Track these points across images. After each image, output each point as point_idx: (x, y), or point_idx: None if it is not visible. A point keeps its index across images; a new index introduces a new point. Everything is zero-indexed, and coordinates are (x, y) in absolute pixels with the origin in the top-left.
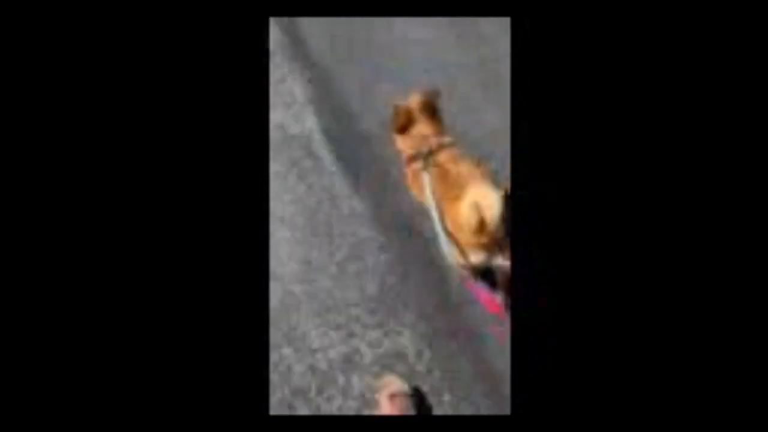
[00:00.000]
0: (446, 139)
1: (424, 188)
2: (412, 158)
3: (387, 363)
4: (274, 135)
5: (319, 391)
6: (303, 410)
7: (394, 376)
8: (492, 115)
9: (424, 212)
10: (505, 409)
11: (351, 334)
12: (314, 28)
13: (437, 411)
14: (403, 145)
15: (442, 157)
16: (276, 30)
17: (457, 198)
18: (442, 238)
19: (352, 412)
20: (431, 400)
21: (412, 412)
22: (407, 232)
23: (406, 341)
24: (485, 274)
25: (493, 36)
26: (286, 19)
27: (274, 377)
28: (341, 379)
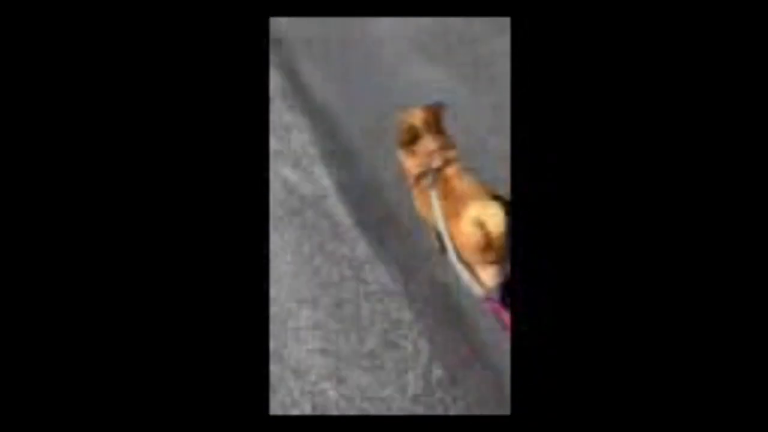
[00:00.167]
0: (451, 153)
1: (433, 207)
2: (420, 177)
3: None
4: (284, 197)
5: None
6: None
7: None
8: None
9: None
10: (505, 409)
11: None
12: (316, 74)
13: None
14: (410, 163)
15: (448, 172)
16: (276, 76)
17: (457, 215)
18: (454, 260)
19: None
20: None
21: None
22: (449, 311)
23: None
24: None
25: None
26: (286, 66)
27: None
28: None
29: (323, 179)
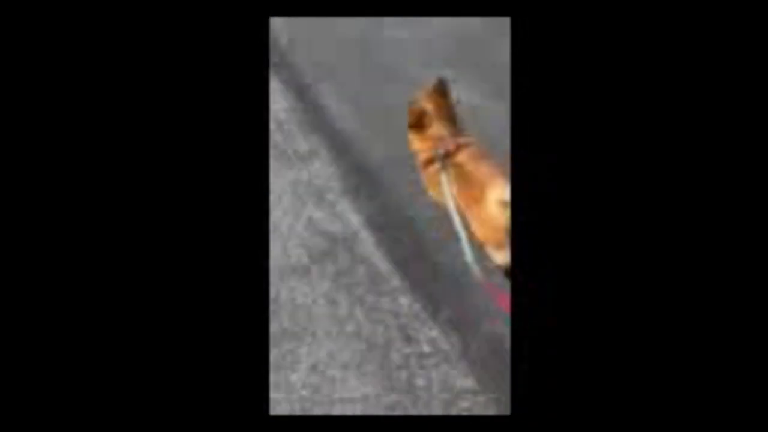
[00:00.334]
0: (464, 139)
1: (443, 189)
2: (429, 161)
3: None
4: (310, 238)
5: None
6: None
7: None
8: None
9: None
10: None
11: None
12: (330, 94)
13: None
14: (420, 146)
15: (461, 157)
16: (288, 98)
17: (478, 198)
18: (464, 241)
19: None
20: None
21: None
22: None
23: None
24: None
25: None
26: (297, 86)
27: None
28: None
29: (351, 215)
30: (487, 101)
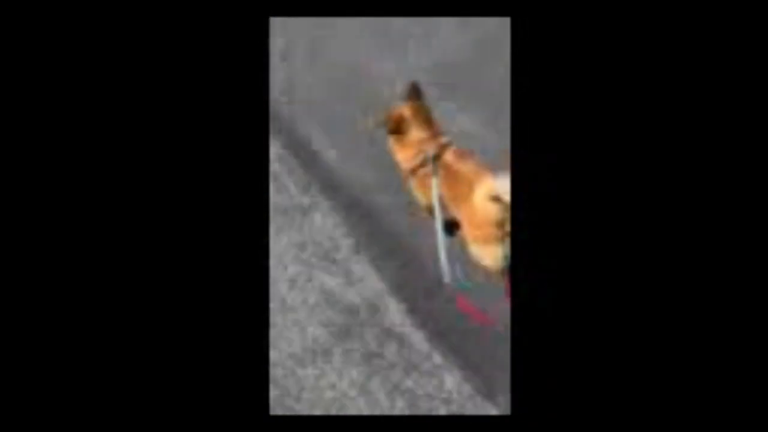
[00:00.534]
0: (444, 140)
1: (432, 193)
2: (419, 166)
3: None
4: (325, 312)
5: None
6: None
7: None
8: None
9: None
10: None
11: None
12: (324, 138)
13: None
14: (403, 153)
15: (447, 157)
16: (276, 146)
17: (466, 195)
18: (441, 242)
19: None
20: None
21: None
22: None
23: None
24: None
25: None
26: (288, 133)
27: None
28: None
29: (369, 279)
30: (480, 128)
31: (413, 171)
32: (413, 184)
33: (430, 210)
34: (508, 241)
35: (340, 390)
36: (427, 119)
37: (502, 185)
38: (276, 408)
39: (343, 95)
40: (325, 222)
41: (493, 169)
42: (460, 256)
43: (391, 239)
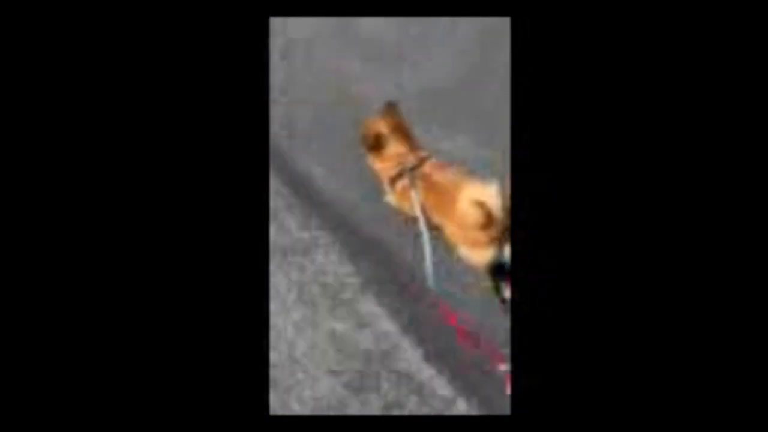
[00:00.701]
0: (424, 153)
1: (414, 204)
2: (397, 177)
3: None
4: (336, 357)
5: None
6: None
7: None
8: None
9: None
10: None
11: None
12: (326, 174)
13: None
14: (382, 165)
15: (427, 168)
16: (274, 182)
17: (450, 202)
18: (428, 253)
19: None
20: None
21: None
22: None
23: None
24: (497, 269)
25: None
26: (285, 168)
27: None
28: None
29: (382, 321)
30: (475, 150)
31: (392, 181)
32: (393, 195)
33: (412, 219)
34: (496, 244)
35: None
36: (405, 134)
37: (486, 191)
38: None
39: (328, 124)
40: (328, 258)
41: (474, 177)
42: (445, 262)
43: (397, 272)
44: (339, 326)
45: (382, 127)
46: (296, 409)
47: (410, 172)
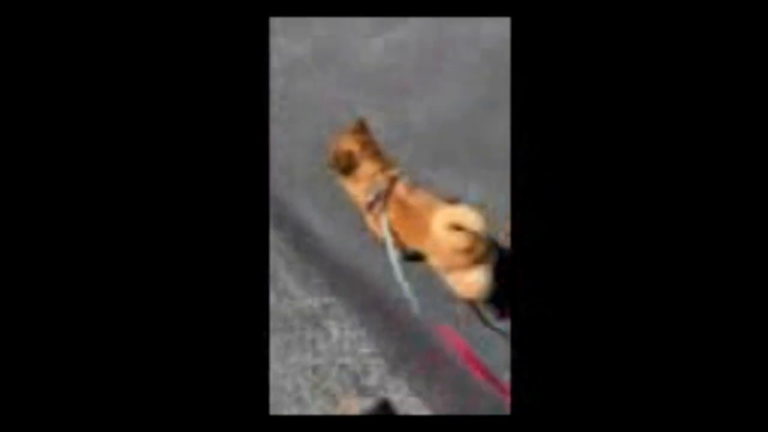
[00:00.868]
0: (395, 172)
1: (383, 228)
2: (373, 203)
3: None
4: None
5: None
6: None
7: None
8: None
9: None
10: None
11: None
12: (327, 223)
13: None
14: (356, 190)
15: (399, 191)
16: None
17: (424, 229)
18: (399, 276)
19: None
20: None
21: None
22: None
23: None
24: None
25: None
26: (287, 222)
27: None
28: None
29: (401, 392)
30: (488, 193)
31: (369, 207)
32: (370, 220)
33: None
34: (482, 265)
35: None
36: (375, 151)
37: (459, 211)
38: None
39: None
40: (342, 327)
41: (446, 199)
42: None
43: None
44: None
45: (353, 144)
46: None
47: (382, 195)
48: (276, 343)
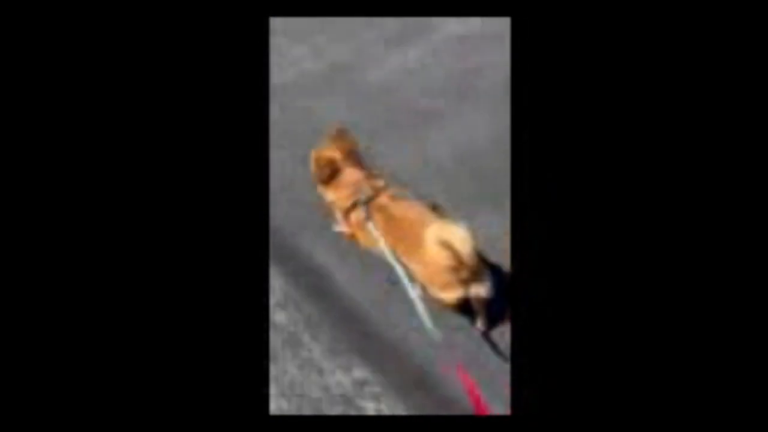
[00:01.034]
0: (380, 182)
1: (375, 238)
2: (351, 208)
3: None
4: None
5: None
6: None
7: None
8: None
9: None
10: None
11: None
12: (342, 269)
13: None
14: (337, 196)
15: (383, 200)
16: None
17: (416, 243)
18: (407, 282)
19: None
20: None
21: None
22: None
23: None
24: (463, 306)
25: None
26: (295, 266)
27: None
28: None
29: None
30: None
31: (346, 213)
32: (346, 226)
33: (376, 251)
34: (465, 285)
35: None
36: (358, 159)
37: (451, 229)
38: None
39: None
40: (358, 378)
41: (433, 211)
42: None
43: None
44: None
45: (334, 152)
46: None
47: (365, 204)
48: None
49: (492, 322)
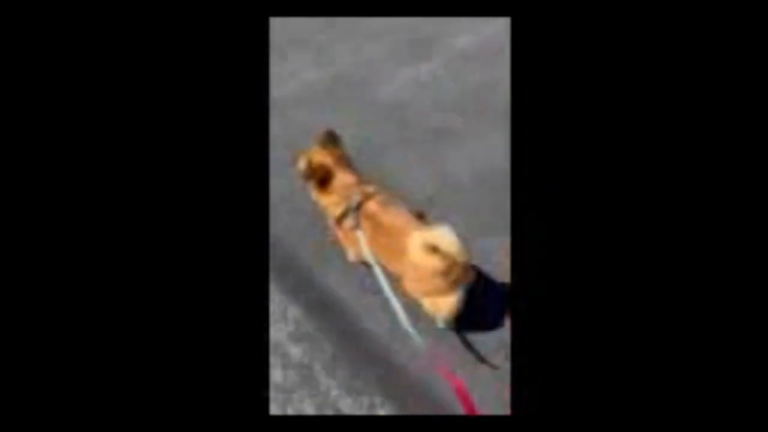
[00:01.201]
0: (370, 187)
1: (361, 246)
2: (342, 216)
3: None
4: None
5: None
6: None
7: None
8: None
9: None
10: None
11: None
12: (343, 284)
13: None
14: (328, 201)
15: (372, 207)
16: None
17: (401, 250)
18: (390, 293)
19: None
20: None
21: None
22: None
23: None
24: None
25: None
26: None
27: None
28: None
29: None
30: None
31: (338, 220)
32: (339, 234)
33: (359, 262)
34: (458, 286)
35: None
36: (348, 163)
37: (435, 234)
38: None
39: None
40: (357, 399)
41: (420, 217)
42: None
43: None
44: None
45: (326, 157)
46: None
47: (354, 211)
48: None
49: (488, 326)
